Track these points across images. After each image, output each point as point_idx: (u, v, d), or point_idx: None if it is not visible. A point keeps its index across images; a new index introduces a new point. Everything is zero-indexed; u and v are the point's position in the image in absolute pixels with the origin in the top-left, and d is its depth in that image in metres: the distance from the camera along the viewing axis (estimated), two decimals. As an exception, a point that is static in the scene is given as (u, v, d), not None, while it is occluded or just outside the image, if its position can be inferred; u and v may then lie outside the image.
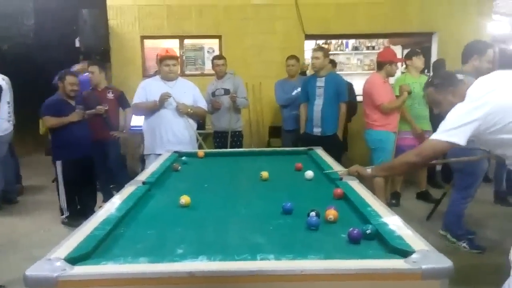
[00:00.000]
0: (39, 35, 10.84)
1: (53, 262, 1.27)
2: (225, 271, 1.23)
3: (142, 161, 4.77)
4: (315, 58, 4.46)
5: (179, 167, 2.88)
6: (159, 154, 3.45)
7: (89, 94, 4.77)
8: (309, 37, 6.51)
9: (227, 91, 4.87)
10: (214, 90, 4.95)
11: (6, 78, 4.85)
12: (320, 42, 7.80)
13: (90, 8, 5.99)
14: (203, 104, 3.98)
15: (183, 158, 3.20)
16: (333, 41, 7.91)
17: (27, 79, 7.90)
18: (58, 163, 4.17)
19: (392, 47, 7.80)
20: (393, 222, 1.62)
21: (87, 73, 4.95)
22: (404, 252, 1.35)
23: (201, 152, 3.42)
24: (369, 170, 2.49)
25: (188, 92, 3.84)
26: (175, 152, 3.36)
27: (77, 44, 6.16)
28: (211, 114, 4.99)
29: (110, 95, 4.70)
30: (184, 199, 2.02)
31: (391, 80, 4.63)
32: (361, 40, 8.11)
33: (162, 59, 3.74)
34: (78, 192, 4.35)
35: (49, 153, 4.40)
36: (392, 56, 4.42)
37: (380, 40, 8.07)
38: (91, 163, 4.41)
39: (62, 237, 1.54)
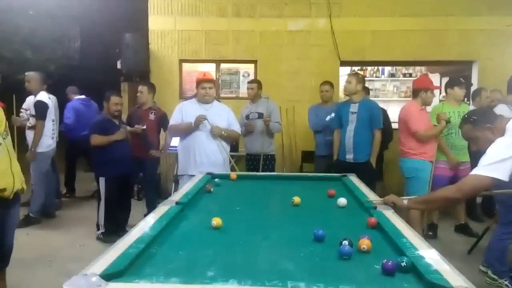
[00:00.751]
0: (84, 57, 11.42)
1: (89, 278, 1.30)
2: (256, 297, 1.22)
3: (175, 181, 4.87)
4: (347, 83, 4.44)
5: (212, 189, 2.91)
6: (192, 175, 3.51)
7: (133, 112, 4.95)
8: (344, 63, 6.52)
9: (260, 115, 4.92)
10: (248, 113, 5.02)
11: (53, 97, 5.13)
12: (356, 68, 7.80)
13: (133, 32, 6.27)
14: (237, 128, 4.04)
15: (216, 180, 3.24)
16: (369, 68, 7.88)
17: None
18: (102, 180, 4.31)
19: (430, 75, 7.69)
20: (430, 256, 1.57)
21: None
22: (441, 288, 1.30)
23: (233, 175, 3.45)
24: (405, 201, 2.43)
25: (223, 115, 3.91)
26: (208, 173, 3.41)
27: (119, 66, 6.44)
28: (244, 137, 5.05)
29: (152, 116, 4.85)
30: (216, 221, 2.04)
31: (429, 108, 4.53)
32: (398, 67, 8.03)
33: (199, 82, 3.85)
34: (115, 209, 4.45)
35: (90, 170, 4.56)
36: (427, 83, 4.35)
37: (418, 67, 7.98)
38: (130, 180, 4.55)
39: (96, 253, 1.58)
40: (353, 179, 3.21)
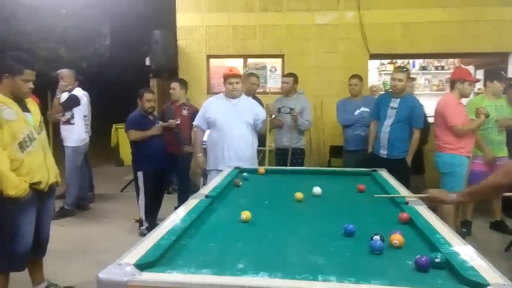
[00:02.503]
0: (114, 54, 11.68)
1: (123, 267, 1.34)
2: (286, 289, 1.22)
3: (204, 175, 4.91)
4: (398, 80, 4.15)
5: (240, 183, 2.93)
6: (220, 170, 3.54)
7: (167, 108, 5.04)
8: (373, 56, 6.40)
9: (293, 110, 4.85)
10: (280, 106, 5.00)
11: (86, 93, 5.28)
12: (385, 61, 7.64)
13: (161, 29, 6.36)
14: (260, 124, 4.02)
15: (244, 174, 3.25)
16: (399, 61, 7.70)
17: (101, 95, 8.49)
18: (140, 174, 4.41)
19: (464, 67, 7.44)
20: (465, 252, 1.53)
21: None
22: (477, 285, 1.27)
23: (261, 169, 3.45)
24: (453, 195, 2.32)
25: (250, 110, 3.91)
26: (236, 168, 3.42)
27: (147, 63, 6.54)
28: (274, 129, 5.04)
29: (185, 112, 4.91)
30: (245, 215, 2.05)
31: (464, 101, 4.38)
32: (429, 60, 7.81)
33: (226, 77, 3.85)
34: (152, 202, 4.54)
35: (119, 164, 4.63)
36: (464, 74, 4.18)
37: (450, 60, 7.73)
38: (165, 175, 4.64)
39: (127, 245, 1.62)
40: (384, 174, 3.15)
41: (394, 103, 4.25)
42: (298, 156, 4.95)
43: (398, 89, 4.19)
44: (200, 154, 3.99)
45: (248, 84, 4.89)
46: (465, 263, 1.42)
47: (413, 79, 5.59)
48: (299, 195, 2.52)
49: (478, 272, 1.34)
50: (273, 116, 4.04)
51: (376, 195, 2.52)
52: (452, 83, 4.16)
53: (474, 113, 4.05)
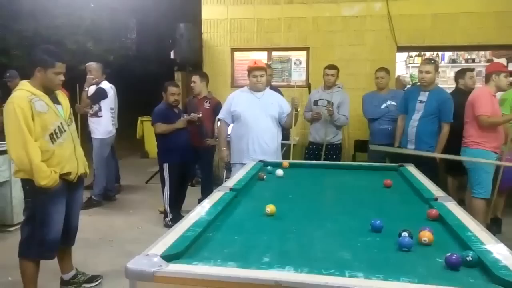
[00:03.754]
0: (140, 48, 11.84)
1: (151, 258, 1.35)
2: (313, 284, 1.21)
3: (227, 168, 4.93)
4: (426, 73, 4.06)
5: (265, 176, 2.92)
6: (245, 164, 3.54)
7: (189, 101, 5.08)
8: (401, 48, 6.26)
9: (330, 103, 4.77)
10: (317, 99, 4.92)
11: (113, 86, 5.37)
12: (413, 54, 7.46)
13: (186, 22, 6.39)
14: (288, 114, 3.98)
15: (268, 167, 3.24)
16: (428, 53, 7.49)
17: (127, 88, 8.62)
18: (165, 166, 4.48)
19: (495, 60, 7.19)
20: (498, 250, 1.47)
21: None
22: (510, 284, 1.22)
23: (285, 163, 3.43)
24: None
25: (275, 103, 3.88)
26: (260, 161, 3.42)
27: (172, 56, 6.60)
28: (310, 123, 5.01)
29: (207, 105, 4.93)
30: (270, 208, 2.04)
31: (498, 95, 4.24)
32: (459, 52, 7.57)
33: (250, 70, 3.82)
34: (177, 195, 4.61)
35: (144, 156, 4.69)
36: (499, 66, 4.08)
37: (481, 53, 7.47)
38: (189, 168, 4.69)
39: (153, 235, 1.65)
40: (411, 169, 3.08)
41: (423, 96, 4.14)
42: (333, 151, 4.86)
43: (426, 82, 4.08)
44: (224, 148, 3.99)
45: None
46: (498, 262, 1.37)
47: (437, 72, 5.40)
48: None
49: (511, 271, 1.29)
50: (298, 109, 4.01)
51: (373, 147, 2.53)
52: (487, 76, 4.04)
53: (508, 107, 3.94)
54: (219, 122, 4.70)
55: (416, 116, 4.13)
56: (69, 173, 2.80)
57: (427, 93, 4.12)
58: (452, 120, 4.12)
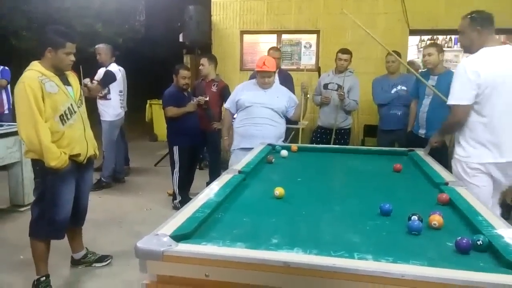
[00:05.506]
0: (148, 30, 11.77)
1: (160, 238, 1.36)
2: (322, 265, 1.21)
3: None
4: (428, 55, 4.05)
5: (273, 159, 2.91)
6: (245, 148, 3.55)
7: (198, 84, 5.06)
8: (413, 32, 6.14)
9: (340, 87, 4.72)
10: (328, 82, 4.86)
11: (122, 69, 5.36)
12: (426, 38, 7.32)
13: (195, 4, 6.32)
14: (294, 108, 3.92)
15: (277, 146, 3.27)
16: (440, 37, 7.35)
17: (136, 71, 8.62)
18: (175, 149, 4.50)
19: (510, 45, 7.01)
20: (509, 235, 1.46)
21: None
22: (523, 269, 1.20)
23: (294, 146, 3.42)
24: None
25: (281, 97, 3.82)
26: (269, 144, 3.41)
27: (181, 39, 6.55)
28: (319, 107, 4.95)
29: (214, 88, 4.91)
30: (279, 191, 2.04)
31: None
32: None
33: (259, 72, 3.75)
34: (186, 177, 4.63)
35: (153, 139, 4.66)
36: None
37: (496, 36, 7.29)
38: (198, 151, 4.71)
39: (161, 217, 1.66)
40: (421, 153, 3.05)
41: (432, 80, 4.06)
42: (342, 136, 4.83)
43: (431, 63, 4.07)
44: (226, 137, 3.99)
45: None
46: (509, 246, 1.36)
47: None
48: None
49: (524, 256, 1.28)
50: (308, 96, 3.94)
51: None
52: None
53: None
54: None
55: (427, 100, 4.07)
56: (78, 155, 2.82)
57: (436, 77, 4.05)
58: None
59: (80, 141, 2.85)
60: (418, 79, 4.20)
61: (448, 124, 2.94)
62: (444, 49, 7.73)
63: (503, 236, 1.44)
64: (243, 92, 3.85)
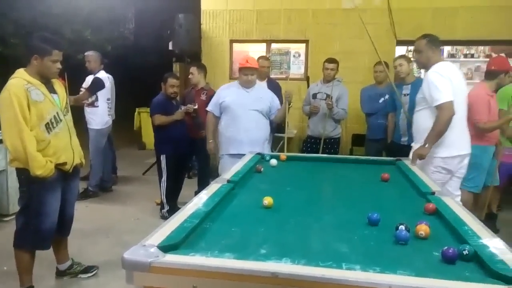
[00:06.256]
0: (138, 38, 11.74)
1: (147, 248, 1.35)
2: (310, 276, 1.21)
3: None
4: (399, 65, 4.35)
5: (262, 169, 2.92)
6: (232, 154, 3.60)
7: (188, 93, 5.05)
8: (400, 43, 6.23)
9: (329, 97, 4.75)
10: (316, 92, 4.90)
11: (110, 77, 5.33)
12: (412, 48, 7.42)
13: (185, 13, 6.33)
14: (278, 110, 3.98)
15: (266, 156, 3.29)
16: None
17: (125, 78, 8.57)
18: (163, 158, 4.47)
19: (494, 55, 7.17)
20: (494, 245, 1.48)
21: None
22: (507, 279, 1.22)
23: (283, 155, 3.43)
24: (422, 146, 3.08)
25: (264, 98, 3.87)
26: (258, 153, 3.41)
27: (170, 47, 6.54)
28: (308, 117, 4.97)
29: (204, 96, 4.90)
30: (267, 200, 2.04)
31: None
32: (458, 47, 7.56)
33: (242, 68, 3.82)
34: (174, 186, 4.59)
35: (141, 147, 4.64)
36: (508, 64, 4.04)
37: (480, 48, 7.46)
38: (186, 159, 4.69)
39: (149, 226, 1.64)
40: (408, 163, 3.08)
41: (406, 89, 4.31)
42: (331, 145, 4.86)
43: (403, 73, 4.34)
44: (211, 141, 3.99)
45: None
46: (495, 256, 1.37)
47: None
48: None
49: (508, 265, 1.30)
50: (291, 104, 4.02)
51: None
52: (494, 74, 3.97)
53: (506, 103, 3.95)
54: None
55: (404, 109, 4.21)
56: (64, 163, 2.79)
57: (409, 86, 4.29)
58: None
59: (66, 149, 2.81)
60: (392, 90, 4.36)
61: (441, 124, 3.09)
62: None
63: (488, 246, 1.46)
64: (226, 94, 3.87)
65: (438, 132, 3.10)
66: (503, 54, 6.83)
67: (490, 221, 4.29)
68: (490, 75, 4.04)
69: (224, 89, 3.99)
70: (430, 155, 3.15)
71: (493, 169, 4.15)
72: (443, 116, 3.06)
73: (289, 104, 3.83)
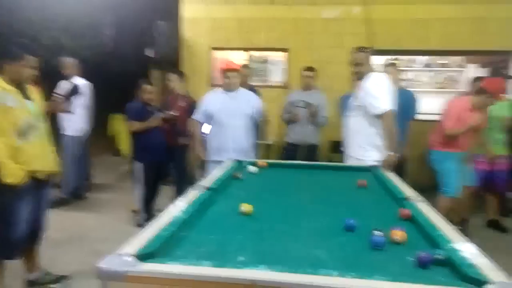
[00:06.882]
0: (117, 45, 11.60)
1: (123, 257, 1.32)
2: (288, 282, 1.21)
3: (202, 167, 4.90)
4: (389, 74, 4.35)
5: (240, 175, 2.91)
6: (219, 161, 3.59)
7: (166, 100, 5.02)
8: (378, 52, 6.35)
9: (308, 105, 4.79)
10: (295, 100, 4.94)
11: (87, 83, 5.24)
12: (389, 57, 7.59)
13: (165, 20, 6.32)
14: (258, 116, 4.07)
15: (245, 163, 3.30)
16: (403, 57, 7.64)
17: (103, 85, 8.44)
18: (139, 165, 4.40)
19: (468, 65, 7.40)
20: (467, 249, 1.51)
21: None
22: (478, 282, 1.25)
23: (263, 162, 3.44)
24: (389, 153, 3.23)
25: (248, 103, 3.94)
26: (237, 160, 3.41)
27: (149, 54, 6.51)
28: (287, 124, 5.00)
29: (182, 103, 4.88)
30: (245, 207, 2.04)
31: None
32: (433, 57, 7.77)
33: (223, 72, 3.93)
34: (150, 194, 4.54)
35: (117, 154, 4.56)
36: (498, 88, 4.13)
37: (454, 58, 7.69)
38: (162, 166, 4.64)
39: (124, 235, 1.61)
40: (384, 169, 3.13)
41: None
42: (310, 152, 4.90)
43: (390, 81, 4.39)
44: (199, 147, 4.01)
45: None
46: (466, 260, 1.41)
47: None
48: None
49: (479, 269, 1.33)
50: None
51: None
52: (480, 91, 4.05)
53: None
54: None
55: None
56: (37, 171, 2.72)
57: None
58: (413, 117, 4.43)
59: (39, 157, 2.75)
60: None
61: (391, 130, 3.30)
62: (407, 68, 8.08)
63: (460, 250, 1.50)
64: (211, 101, 3.93)
65: (393, 138, 3.30)
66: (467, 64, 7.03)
67: (462, 226, 4.41)
68: (477, 91, 4.11)
69: (209, 96, 4.05)
70: (364, 160, 3.41)
71: (470, 173, 4.27)
72: (390, 122, 3.32)
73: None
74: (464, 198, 4.35)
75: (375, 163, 3.30)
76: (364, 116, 3.40)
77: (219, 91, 4.03)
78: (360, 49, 3.49)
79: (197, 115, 4.02)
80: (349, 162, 3.57)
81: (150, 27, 6.50)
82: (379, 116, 3.32)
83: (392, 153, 3.26)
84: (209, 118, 3.94)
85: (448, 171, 4.09)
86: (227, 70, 3.92)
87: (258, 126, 4.06)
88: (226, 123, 3.84)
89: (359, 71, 3.50)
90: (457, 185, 4.14)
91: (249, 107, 3.91)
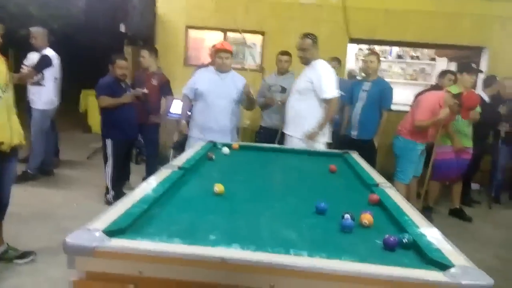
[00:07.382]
0: (89, 17, 11.16)
1: (92, 233, 1.29)
2: (258, 261, 1.22)
3: (174, 148, 4.85)
4: (370, 62, 4.49)
5: (213, 156, 2.90)
6: (201, 138, 3.62)
7: (138, 76, 4.89)
8: (353, 41, 6.41)
9: (284, 90, 4.77)
10: (271, 84, 4.91)
11: (57, 55, 5.03)
12: (364, 47, 7.69)
13: (140, -6, 6.12)
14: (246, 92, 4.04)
15: (218, 144, 3.29)
16: (377, 47, 7.75)
17: (72, 58, 8.13)
18: (109, 142, 4.29)
19: (438, 59, 7.59)
20: (432, 234, 1.57)
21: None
22: (442, 266, 1.30)
23: (235, 144, 3.43)
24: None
25: (238, 85, 3.92)
26: (210, 141, 3.39)
27: (122, 29, 6.30)
28: (262, 109, 4.97)
29: (154, 81, 4.77)
30: (218, 187, 2.03)
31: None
32: (406, 49, 7.92)
33: (217, 51, 3.88)
34: (120, 172, 4.45)
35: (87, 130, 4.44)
36: (470, 103, 4.16)
37: (425, 51, 7.87)
38: (133, 144, 4.55)
39: (91, 212, 1.57)
40: (355, 156, 3.19)
41: (366, 86, 4.51)
42: (284, 136, 4.92)
43: (372, 69, 4.50)
44: (183, 121, 4.00)
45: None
46: (431, 245, 1.46)
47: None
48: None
49: (443, 253, 1.38)
50: (251, 96, 4.13)
51: None
52: (456, 98, 4.13)
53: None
54: (168, 97, 4.80)
55: (360, 104, 4.43)
56: (1, 143, 2.62)
57: (370, 83, 4.47)
58: (390, 108, 4.48)
59: (4, 129, 2.64)
60: (353, 84, 4.54)
61: (333, 114, 3.75)
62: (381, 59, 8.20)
63: (426, 235, 1.55)
64: (201, 80, 3.91)
65: (329, 121, 3.69)
66: (437, 58, 7.19)
67: (426, 213, 4.58)
68: (454, 96, 4.16)
69: (200, 73, 4.03)
70: (315, 142, 3.74)
71: (421, 164, 4.45)
72: (334, 107, 3.72)
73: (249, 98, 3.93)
74: (413, 187, 4.52)
75: (321, 145, 3.73)
76: (313, 100, 3.71)
77: (211, 70, 4.00)
78: (306, 35, 3.68)
79: (186, 90, 3.98)
80: (291, 143, 3.83)
81: (125, 1, 6.27)
82: (327, 101, 3.65)
83: (317, 131, 3.71)
84: (198, 96, 3.91)
85: (409, 160, 4.25)
86: (221, 50, 3.84)
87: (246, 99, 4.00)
88: (212, 103, 3.83)
89: (304, 56, 3.77)
90: (411, 173, 4.31)
91: (236, 90, 3.89)
